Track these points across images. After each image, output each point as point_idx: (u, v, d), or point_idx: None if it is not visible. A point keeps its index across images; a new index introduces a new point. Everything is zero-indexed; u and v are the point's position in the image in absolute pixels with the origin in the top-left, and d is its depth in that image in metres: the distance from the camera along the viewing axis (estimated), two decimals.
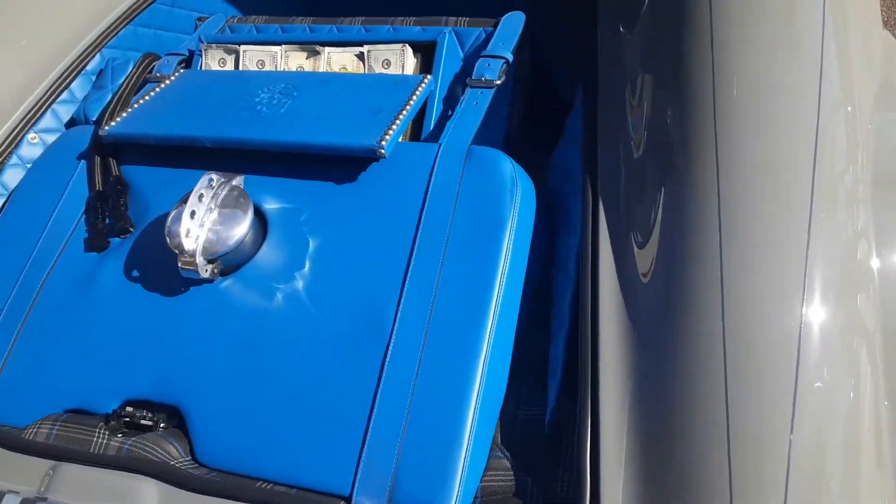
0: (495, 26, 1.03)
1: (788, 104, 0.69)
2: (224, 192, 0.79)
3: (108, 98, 1.08)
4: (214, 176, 0.79)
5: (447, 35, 0.97)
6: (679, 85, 0.74)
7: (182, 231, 0.76)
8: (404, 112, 0.85)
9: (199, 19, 1.23)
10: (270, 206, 0.84)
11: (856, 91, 0.72)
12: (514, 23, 1.02)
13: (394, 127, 0.82)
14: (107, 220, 0.89)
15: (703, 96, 0.70)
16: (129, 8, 1.20)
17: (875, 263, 0.67)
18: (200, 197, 0.77)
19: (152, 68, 1.12)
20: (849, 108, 0.70)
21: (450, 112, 0.96)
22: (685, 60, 0.74)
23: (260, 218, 0.83)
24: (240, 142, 0.85)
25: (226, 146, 0.86)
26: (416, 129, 0.94)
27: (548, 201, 0.88)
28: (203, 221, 0.77)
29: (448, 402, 0.69)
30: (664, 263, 0.67)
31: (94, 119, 1.07)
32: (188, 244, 0.76)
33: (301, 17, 1.16)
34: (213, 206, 0.78)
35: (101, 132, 0.91)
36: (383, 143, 0.79)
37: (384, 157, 0.80)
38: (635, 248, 0.71)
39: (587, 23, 1.01)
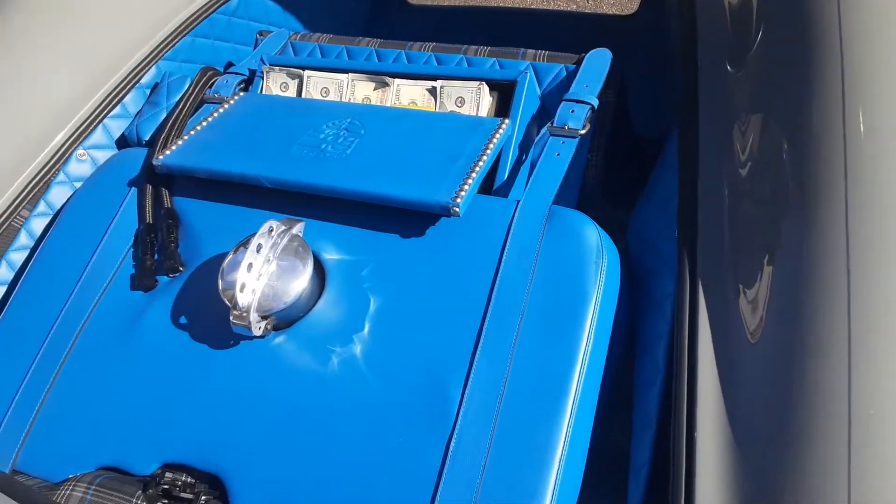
0: (578, 63, 0.95)
1: None
2: (284, 242, 0.73)
3: (163, 116, 1.03)
4: (275, 224, 0.73)
5: (528, 75, 0.89)
6: (803, 127, 0.66)
7: (237, 283, 0.70)
8: (481, 163, 0.78)
9: (260, 33, 1.17)
10: (330, 255, 0.78)
11: None
12: (599, 62, 0.94)
13: (470, 181, 0.75)
14: (156, 256, 0.84)
15: (832, 141, 0.63)
16: (188, 18, 1.14)
17: None
18: (259, 248, 0.71)
19: (211, 84, 1.07)
20: None
21: (524, 157, 0.88)
22: (810, 100, 0.66)
23: (318, 268, 0.77)
24: (302, 186, 0.79)
25: (287, 188, 0.80)
26: (489, 177, 0.86)
27: (629, 272, 0.80)
28: (260, 275, 0.71)
29: (518, 502, 0.62)
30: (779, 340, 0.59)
31: (147, 139, 1.02)
32: (243, 299, 0.70)
33: (367, 38, 1.10)
34: (271, 258, 0.72)
35: (154, 161, 0.86)
36: (458, 199, 0.72)
37: (458, 216, 0.73)
38: (744, 326, 0.63)
39: (677, 63, 0.93)
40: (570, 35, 1.59)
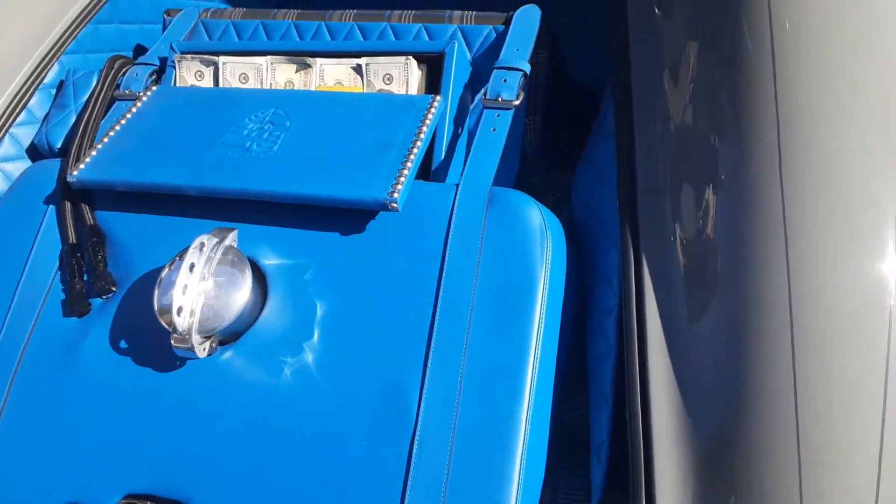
0: (507, 23, 0.91)
1: (860, 85, 0.62)
2: (217, 256, 0.70)
3: (73, 119, 0.96)
4: (206, 238, 0.70)
5: (455, 45, 0.85)
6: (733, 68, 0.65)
7: (174, 307, 0.67)
8: (415, 149, 0.75)
9: (168, 12, 1.09)
10: (269, 261, 0.75)
11: None
12: (528, 20, 0.91)
13: (406, 172, 0.72)
14: (85, 277, 0.79)
15: (763, 78, 0.63)
16: (87, 6, 1.05)
17: None
18: (192, 267, 0.68)
19: (123, 73, 1.00)
20: None
21: (461, 131, 0.86)
22: (740, 40, 0.66)
23: (258, 275, 0.74)
24: (230, 192, 0.75)
25: (215, 195, 0.76)
26: (427, 155, 0.83)
27: (575, 243, 0.79)
28: (197, 294, 0.68)
29: (486, 495, 0.62)
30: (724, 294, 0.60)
31: (59, 146, 0.95)
32: (181, 323, 0.67)
33: (284, 9, 1.03)
34: (206, 275, 0.69)
35: (68, 178, 0.80)
36: (395, 194, 0.70)
37: (397, 211, 0.70)
38: (689, 299, 0.63)
39: (611, 10, 0.90)
40: None
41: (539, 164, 0.92)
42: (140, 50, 1.18)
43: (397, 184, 0.70)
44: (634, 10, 0.85)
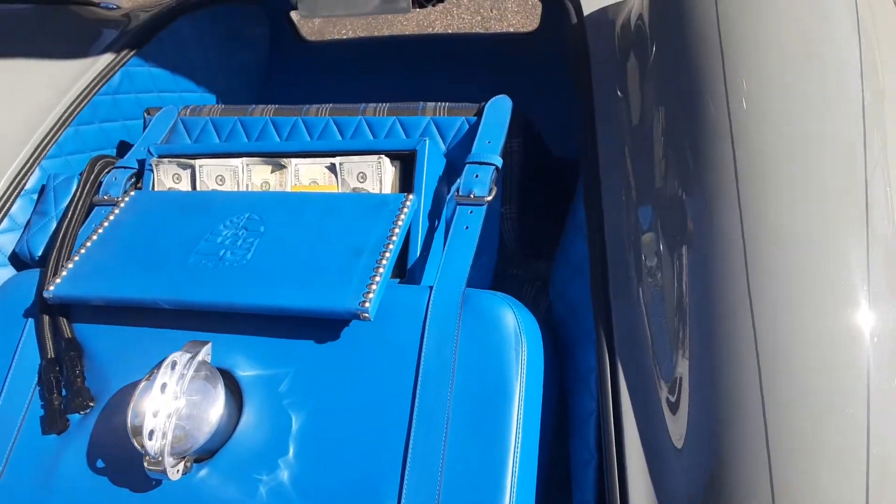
0: (479, 114, 0.92)
1: (820, 140, 0.63)
2: (190, 374, 0.69)
3: (53, 226, 0.97)
4: (178, 356, 0.69)
5: (426, 142, 0.86)
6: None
7: (144, 430, 0.66)
8: (388, 252, 0.75)
9: (148, 111, 1.11)
10: (244, 372, 0.74)
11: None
12: (500, 110, 0.92)
13: (378, 278, 0.72)
14: (63, 392, 0.79)
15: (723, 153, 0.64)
16: (66, 111, 1.07)
17: None
18: (163, 387, 0.67)
19: (103, 174, 1.01)
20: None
21: (437, 223, 0.86)
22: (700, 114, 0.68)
23: (234, 387, 0.74)
24: (203, 305, 0.75)
25: (188, 308, 0.76)
26: (403, 252, 0.83)
27: (554, 338, 0.79)
28: (168, 415, 0.67)
29: None
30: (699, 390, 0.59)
31: (40, 255, 0.95)
32: (153, 446, 0.66)
33: (261, 105, 1.05)
34: (178, 395, 0.68)
35: (45, 294, 0.80)
36: (367, 304, 0.69)
37: (368, 320, 0.70)
38: (666, 406, 0.62)
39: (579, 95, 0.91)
40: (476, 58, 1.56)
41: (518, 253, 0.92)
42: (123, 146, 1.20)
43: (369, 292, 0.70)
44: (599, 94, 0.87)
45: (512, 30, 2.07)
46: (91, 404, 0.77)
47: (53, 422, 0.77)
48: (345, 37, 1.55)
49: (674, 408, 0.62)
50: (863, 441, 0.54)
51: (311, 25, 2.29)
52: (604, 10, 1.00)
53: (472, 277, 0.85)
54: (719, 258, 0.61)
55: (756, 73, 0.67)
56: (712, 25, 0.73)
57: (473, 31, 2.20)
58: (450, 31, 2.14)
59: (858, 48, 0.66)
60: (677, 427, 0.61)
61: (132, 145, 1.09)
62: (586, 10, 1.00)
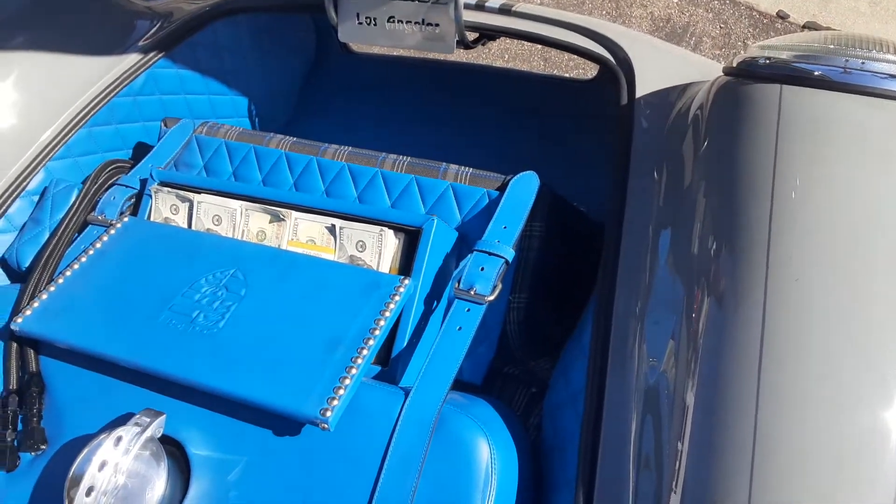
0: (502, 189, 0.85)
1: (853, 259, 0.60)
2: (135, 451, 0.64)
3: (45, 237, 0.93)
4: (124, 434, 0.64)
5: (434, 222, 0.79)
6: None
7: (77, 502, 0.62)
8: (366, 350, 0.68)
9: (166, 122, 1.06)
10: (196, 449, 0.69)
11: None
12: (524, 189, 0.84)
13: (347, 382, 0.66)
14: (19, 427, 0.75)
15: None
16: (82, 111, 1.03)
17: None
18: (103, 465, 0.63)
19: (109, 184, 0.97)
20: None
21: (435, 306, 0.79)
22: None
23: (183, 463, 0.69)
24: (162, 374, 0.70)
25: (147, 373, 0.71)
26: (392, 332, 0.77)
27: (537, 457, 0.71)
28: (105, 493, 0.62)
29: None
30: None
31: (27, 266, 0.92)
32: None
33: (280, 136, 0.99)
34: (118, 472, 0.63)
35: (12, 325, 0.76)
36: (328, 413, 0.63)
37: (327, 430, 0.64)
38: None
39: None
40: (525, 98, 1.47)
41: (519, 349, 0.85)
42: (140, 148, 1.16)
43: (334, 398, 0.64)
44: (635, 180, 0.80)
45: (568, 74, 1.98)
46: (43, 447, 0.73)
47: (3, 458, 0.73)
48: (394, 53, 1.49)
49: None
50: None
51: None
52: (657, 93, 0.91)
53: (465, 368, 0.78)
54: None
55: (803, 207, 0.64)
56: (769, 154, 0.66)
57: (532, 63, 2.11)
58: (505, 66, 2.06)
59: None
60: None
61: (150, 147, 1.04)
62: (641, 91, 0.91)
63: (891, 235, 0.62)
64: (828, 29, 2.09)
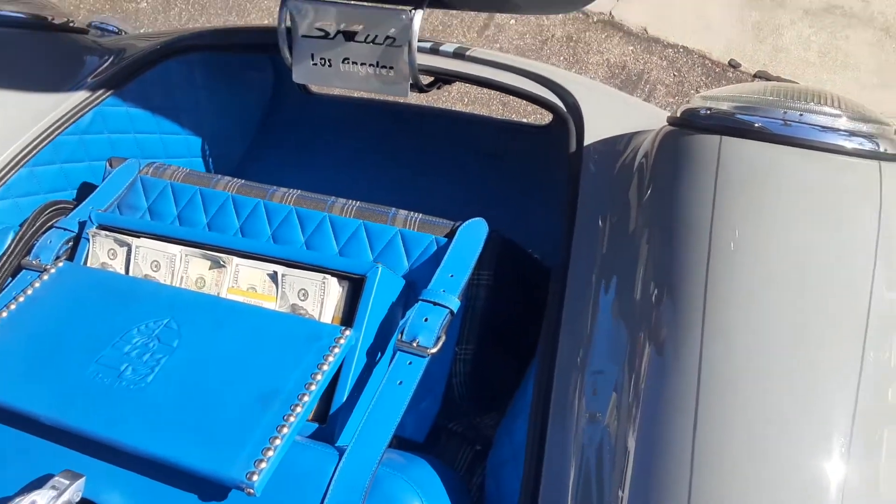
0: (451, 236, 0.84)
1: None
2: None
3: None
4: (39, 498, 0.60)
5: (379, 270, 0.78)
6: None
7: None
8: (299, 407, 0.65)
9: (111, 162, 1.04)
10: None
11: None
12: (473, 237, 0.83)
13: (277, 442, 0.62)
14: None
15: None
16: (22, 151, 1.00)
17: None
18: None
19: (49, 226, 0.93)
20: None
21: (379, 358, 0.77)
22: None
23: None
24: (84, 433, 0.66)
25: (68, 431, 0.67)
26: (332, 384, 0.74)
27: None
28: None
29: None
30: None
31: None
32: None
33: (227, 178, 0.97)
34: None
35: None
36: (254, 477, 0.60)
37: (253, 495, 0.60)
38: None
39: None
40: (481, 141, 1.48)
41: (466, 402, 0.83)
42: (85, 188, 1.12)
43: (262, 460, 0.61)
44: (580, 229, 0.80)
45: (525, 120, 2.00)
46: None
47: None
48: (354, 94, 1.49)
49: None
50: None
51: None
52: (606, 140, 0.92)
53: (407, 424, 0.75)
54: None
55: (739, 258, 0.65)
56: (707, 205, 0.67)
57: (491, 107, 2.13)
58: (464, 109, 2.08)
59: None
60: None
61: (95, 187, 1.01)
62: (591, 138, 0.92)
63: (826, 285, 0.62)
64: (777, 79, 2.15)
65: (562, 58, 2.27)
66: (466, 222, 0.85)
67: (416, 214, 0.87)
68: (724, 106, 0.79)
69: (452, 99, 2.21)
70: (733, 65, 2.19)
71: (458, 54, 1.04)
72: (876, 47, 2.19)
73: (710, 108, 0.79)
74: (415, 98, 1.16)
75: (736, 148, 0.72)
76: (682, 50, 2.22)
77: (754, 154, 0.71)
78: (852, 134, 0.73)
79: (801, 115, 0.75)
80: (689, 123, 0.79)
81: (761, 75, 2.17)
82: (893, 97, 2.11)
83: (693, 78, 2.18)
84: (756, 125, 0.74)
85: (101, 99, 1.11)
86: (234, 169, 1.48)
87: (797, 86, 0.86)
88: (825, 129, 0.73)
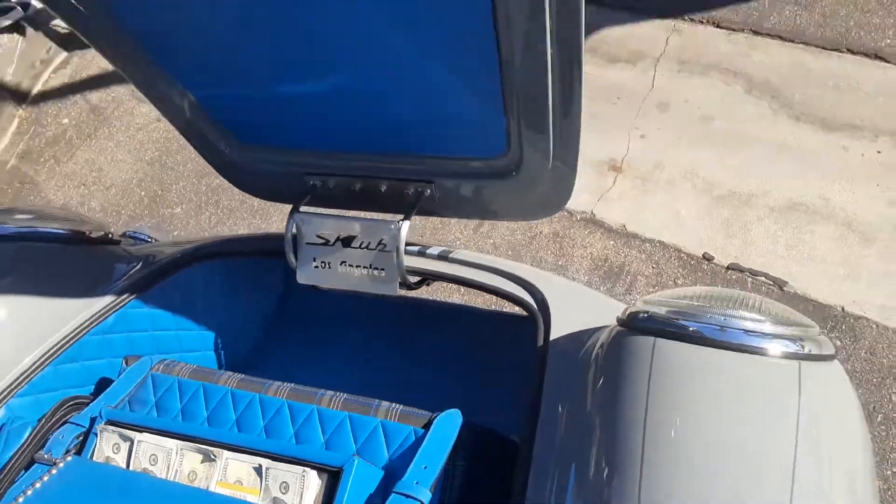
0: (428, 426, 0.92)
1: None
2: None
3: None
4: None
5: (355, 462, 0.85)
6: None
7: None
8: None
9: (127, 360, 1.15)
10: None
11: None
12: (447, 427, 0.91)
13: None
14: None
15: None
16: (48, 352, 1.12)
17: None
18: None
19: (66, 419, 1.02)
20: None
21: None
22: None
23: None
24: None
25: None
26: None
27: None
28: None
29: None
30: None
31: None
32: None
33: (228, 373, 1.08)
34: None
35: None
36: None
37: None
38: None
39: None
40: (467, 330, 1.61)
41: None
42: (102, 383, 1.22)
43: None
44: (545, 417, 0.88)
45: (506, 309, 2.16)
46: None
47: None
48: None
49: None
50: None
51: None
52: (571, 334, 1.04)
53: None
54: None
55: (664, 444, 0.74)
56: (642, 398, 0.77)
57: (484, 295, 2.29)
58: (460, 300, 2.25)
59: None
60: None
61: (111, 381, 1.11)
62: (558, 331, 1.04)
63: (750, 468, 0.70)
64: (749, 271, 2.31)
65: (549, 252, 2.47)
66: (441, 414, 0.93)
67: (398, 406, 0.96)
68: (661, 310, 0.91)
69: (450, 290, 2.37)
70: (707, 258, 2.37)
71: (442, 256, 1.20)
72: (839, 241, 2.37)
73: (647, 312, 0.90)
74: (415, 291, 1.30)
75: (667, 349, 0.82)
76: (658, 244, 2.41)
77: (684, 354, 0.82)
78: (776, 337, 0.84)
79: (724, 318, 0.86)
80: (630, 325, 0.90)
81: (734, 267, 2.33)
82: (860, 288, 2.25)
83: (670, 270, 2.35)
84: (691, 329, 0.85)
85: (125, 302, 1.25)
86: (243, 358, 1.59)
87: (730, 291, 0.99)
88: (750, 333, 0.84)
